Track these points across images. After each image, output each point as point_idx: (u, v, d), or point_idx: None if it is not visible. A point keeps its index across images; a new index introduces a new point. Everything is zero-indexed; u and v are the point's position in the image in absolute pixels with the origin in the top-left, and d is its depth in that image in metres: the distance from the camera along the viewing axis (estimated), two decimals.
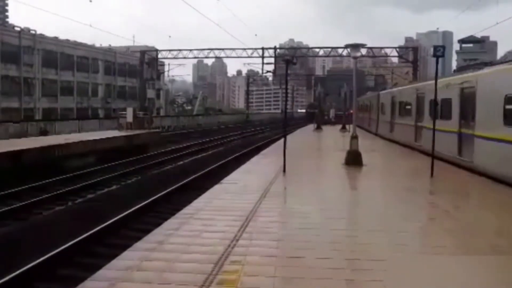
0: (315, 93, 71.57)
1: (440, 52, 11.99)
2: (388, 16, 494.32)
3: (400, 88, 26.22)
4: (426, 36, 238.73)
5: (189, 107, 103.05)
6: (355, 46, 15.35)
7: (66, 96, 60.23)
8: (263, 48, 46.43)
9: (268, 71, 54.36)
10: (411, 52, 47.06)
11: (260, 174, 13.16)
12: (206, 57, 53.83)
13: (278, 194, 10.44)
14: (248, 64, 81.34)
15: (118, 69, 70.89)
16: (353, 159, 15.07)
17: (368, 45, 32.25)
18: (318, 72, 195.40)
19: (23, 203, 12.43)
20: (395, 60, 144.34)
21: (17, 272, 6.97)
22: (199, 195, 10.26)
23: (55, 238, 8.76)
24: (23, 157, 16.75)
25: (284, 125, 17.37)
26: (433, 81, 13.31)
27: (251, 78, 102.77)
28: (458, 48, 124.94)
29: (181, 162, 23.03)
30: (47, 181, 15.56)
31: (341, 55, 50.19)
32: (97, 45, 72.53)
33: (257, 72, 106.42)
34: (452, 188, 11.69)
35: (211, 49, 47.43)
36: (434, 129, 13.07)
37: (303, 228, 7.35)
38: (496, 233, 7.37)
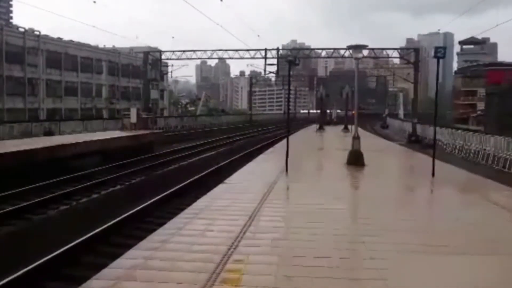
0: (317, 94, 71.59)
1: (441, 53, 12.07)
2: (389, 20, 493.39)
3: None
4: (427, 38, 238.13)
5: (192, 108, 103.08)
6: (357, 47, 15.46)
7: (70, 97, 60.42)
8: (266, 49, 46.34)
9: (270, 72, 54.37)
10: (412, 53, 46.88)
11: (263, 174, 13.25)
12: (209, 58, 54.11)
13: (280, 194, 10.53)
14: (251, 65, 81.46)
15: (122, 70, 71.01)
16: (355, 159, 15.15)
17: (370, 47, 32.20)
18: (320, 73, 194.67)
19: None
20: (397, 61, 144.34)
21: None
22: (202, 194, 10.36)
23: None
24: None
25: (287, 126, 17.45)
26: None
27: (254, 79, 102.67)
28: (459, 50, 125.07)
29: (185, 162, 23.12)
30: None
31: (343, 56, 50.07)
32: (101, 46, 72.67)
33: (260, 73, 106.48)
34: (454, 187, 11.75)
35: (214, 50, 47.41)
36: (435, 130, 13.16)
37: (305, 227, 7.42)
38: (497, 233, 7.43)
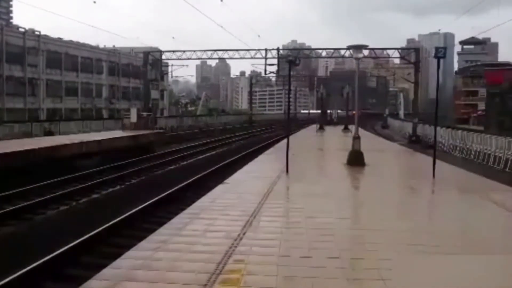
0: (317, 94, 71.65)
1: (441, 53, 12.07)
2: (390, 20, 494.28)
3: None
4: (428, 38, 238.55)
5: (193, 108, 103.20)
6: (357, 47, 15.44)
7: (70, 97, 60.45)
8: (266, 49, 46.30)
9: (271, 72, 54.39)
10: (413, 53, 46.81)
11: (263, 174, 13.23)
12: (210, 58, 53.84)
13: (281, 194, 10.52)
14: (252, 65, 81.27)
15: (122, 70, 71.06)
16: (355, 159, 15.14)
17: (370, 47, 32.20)
18: (321, 73, 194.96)
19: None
20: (397, 61, 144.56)
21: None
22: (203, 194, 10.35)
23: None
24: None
25: (287, 126, 17.46)
26: None
27: (254, 79, 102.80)
28: (459, 50, 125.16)
29: (185, 162, 23.12)
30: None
31: (343, 56, 50.08)
32: (101, 46, 72.71)
33: (260, 73, 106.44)
34: (455, 187, 11.74)
35: (215, 50, 47.35)
36: (435, 130, 13.15)
37: (306, 227, 7.41)
38: (499, 233, 7.42)
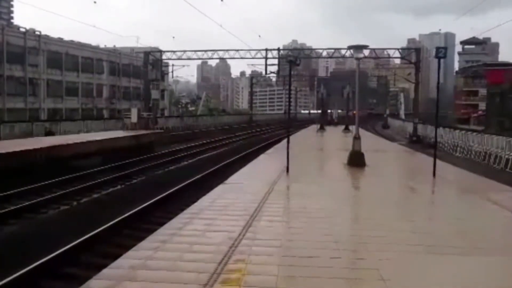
0: (318, 94, 71.68)
1: (442, 53, 12.08)
2: (390, 20, 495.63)
3: None
4: (428, 38, 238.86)
5: (193, 108, 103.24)
6: (358, 47, 15.44)
7: (71, 97, 60.43)
8: (266, 49, 46.21)
9: (271, 72, 54.41)
10: (413, 53, 46.76)
11: (263, 174, 13.24)
12: (210, 58, 53.77)
13: (281, 194, 10.52)
14: (252, 65, 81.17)
15: (123, 70, 71.03)
16: (356, 159, 15.13)
17: (371, 47, 32.16)
18: (321, 73, 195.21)
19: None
20: (398, 61, 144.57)
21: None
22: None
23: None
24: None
25: (287, 126, 17.47)
26: None
27: (255, 79, 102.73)
28: (460, 50, 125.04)
29: (185, 162, 23.13)
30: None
31: (344, 56, 49.96)
32: (101, 46, 72.67)
33: (261, 73, 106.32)
34: (455, 187, 11.74)
35: (215, 50, 47.25)
36: (436, 130, 13.15)
37: (306, 227, 7.41)
38: (498, 234, 7.42)
